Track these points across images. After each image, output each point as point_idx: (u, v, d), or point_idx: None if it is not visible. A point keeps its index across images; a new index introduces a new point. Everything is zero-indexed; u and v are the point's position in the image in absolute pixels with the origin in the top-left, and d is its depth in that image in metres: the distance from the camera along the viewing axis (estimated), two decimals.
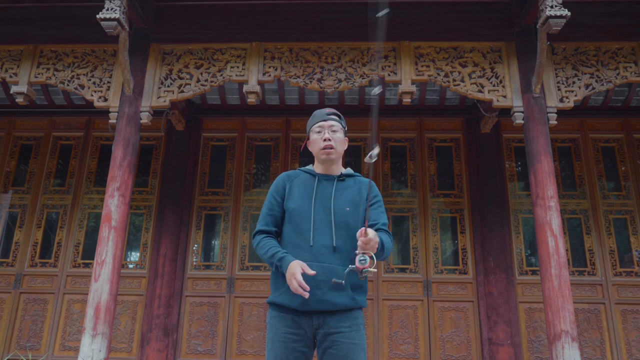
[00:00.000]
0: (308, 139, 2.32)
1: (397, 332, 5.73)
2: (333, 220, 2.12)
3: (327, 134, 2.22)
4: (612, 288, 5.74)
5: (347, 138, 2.33)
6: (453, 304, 5.82)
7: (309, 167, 2.34)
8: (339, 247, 2.09)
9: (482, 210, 6.02)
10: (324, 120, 2.26)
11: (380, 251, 2.02)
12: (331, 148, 2.21)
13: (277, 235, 2.22)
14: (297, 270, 1.96)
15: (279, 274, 2.11)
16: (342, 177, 2.26)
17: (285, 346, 2.04)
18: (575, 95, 4.85)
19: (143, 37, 5.16)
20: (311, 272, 1.96)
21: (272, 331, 2.09)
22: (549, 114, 4.77)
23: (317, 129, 2.26)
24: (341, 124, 2.29)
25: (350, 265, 1.95)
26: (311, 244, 2.07)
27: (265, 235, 2.19)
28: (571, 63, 4.96)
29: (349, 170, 2.32)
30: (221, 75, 5.06)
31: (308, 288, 1.94)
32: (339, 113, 2.32)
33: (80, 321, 5.80)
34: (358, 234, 1.91)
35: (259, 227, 2.22)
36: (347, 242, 2.10)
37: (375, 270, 1.92)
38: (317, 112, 2.32)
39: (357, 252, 1.91)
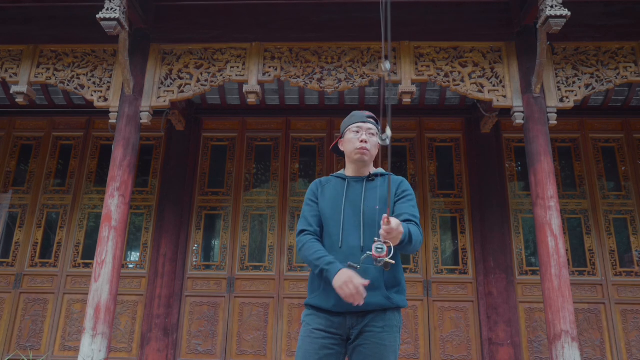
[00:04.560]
0: (341, 137, 2.34)
1: None
2: (362, 220, 2.13)
3: (365, 136, 2.24)
4: (612, 288, 5.74)
5: (378, 144, 2.32)
6: (453, 304, 5.81)
7: (340, 172, 2.37)
8: (368, 247, 2.07)
9: (482, 210, 6.02)
10: (363, 122, 2.28)
11: (408, 243, 1.98)
12: (367, 150, 2.23)
13: (319, 234, 2.22)
14: (352, 275, 1.93)
15: (316, 277, 2.14)
16: (371, 178, 2.27)
17: (314, 342, 2.06)
18: (575, 95, 4.85)
19: (143, 37, 5.16)
20: (365, 281, 1.94)
21: (304, 328, 2.13)
22: (549, 114, 4.77)
23: (355, 129, 2.27)
24: (377, 128, 2.31)
25: (367, 252, 1.91)
26: (340, 246, 2.10)
27: (311, 237, 2.18)
28: (571, 63, 4.96)
29: (380, 170, 2.32)
30: (221, 75, 5.06)
31: (365, 294, 1.93)
32: (375, 117, 2.34)
33: (80, 321, 5.80)
34: (382, 222, 1.86)
35: (302, 227, 2.23)
36: None
37: (393, 262, 1.87)
38: (357, 113, 2.33)
39: (376, 239, 1.87)
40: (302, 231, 2.22)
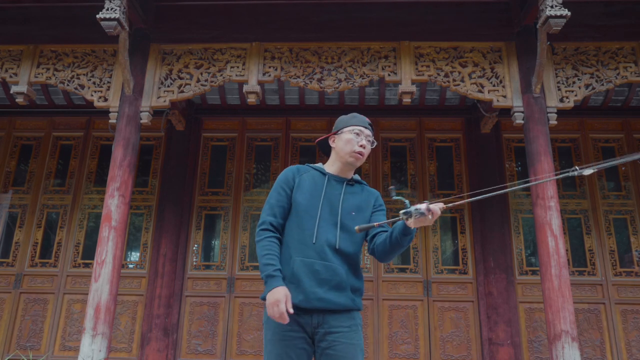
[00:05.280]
0: (335, 134, 2.30)
1: (397, 332, 5.73)
2: (339, 221, 2.13)
3: (365, 141, 2.24)
4: (612, 288, 5.74)
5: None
6: (453, 304, 5.81)
7: (319, 165, 2.33)
8: (342, 248, 2.09)
9: (482, 210, 6.02)
10: (365, 127, 2.27)
11: (404, 247, 2.06)
12: (363, 155, 2.24)
13: (282, 227, 2.18)
14: (282, 299, 1.93)
15: (281, 266, 2.09)
16: (351, 182, 2.28)
17: (286, 344, 2.01)
18: (575, 95, 4.85)
19: (143, 37, 5.16)
20: (290, 310, 1.93)
21: (271, 331, 2.05)
22: (549, 114, 4.77)
23: (357, 131, 2.24)
24: (372, 136, 2.33)
25: (415, 208, 1.90)
26: (314, 241, 2.07)
27: (271, 233, 2.13)
28: (571, 63, 4.96)
29: (358, 177, 2.34)
30: (221, 75, 5.06)
31: (287, 320, 1.93)
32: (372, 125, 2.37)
33: (80, 321, 5.80)
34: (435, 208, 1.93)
35: (265, 217, 2.15)
36: (349, 245, 2.11)
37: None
38: (359, 116, 2.32)
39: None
40: (263, 224, 2.15)
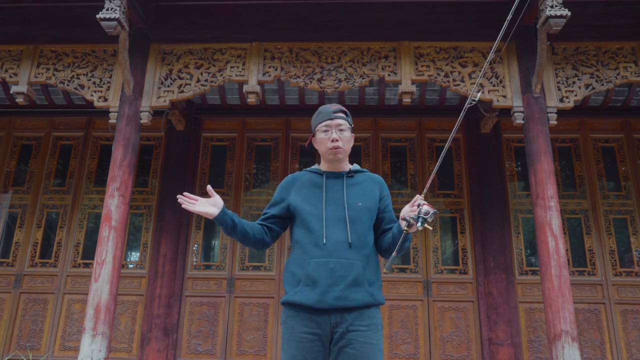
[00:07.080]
0: (313, 136, 2.26)
1: (397, 332, 5.73)
2: (347, 215, 2.10)
3: (335, 134, 2.17)
4: (612, 288, 5.74)
5: (353, 135, 2.29)
6: (453, 304, 5.81)
7: (315, 166, 2.31)
8: (354, 242, 2.06)
9: (482, 210, 6.02)
10: (331, 119, 2.19)
11: (408, 244, 2.13)
12: (339, 148, 2.17)
13: (270, 230, 2.24)
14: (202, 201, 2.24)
15: (296, 270, 2.08)
16: (350, 174, 2.24)
17: (302, 346, 1.99)
18: (575, 95, 4.85)
19: (143, 37, 5.16)
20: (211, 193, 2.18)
21: (288, 332, 2.04)
22: (549, 114, 4.77)
23: (324, 128, 2.19)
24: (348, 121, 2.24)
25: (409, 218, 2.02)
26: (324, 242, 2.04)
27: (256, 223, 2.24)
28: (571, 63, 4.96)
29: (357, 166, 2.30)
30: (221, 75, 5.06)
31: (196, 199, 2.21)
32: (345, 110, 2.26)
33: (80, 321, 5.80)
34: (418, 200, 2.05)
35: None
36: (362, 237, 2.09)
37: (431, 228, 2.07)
38: (323, 109, 2.24)
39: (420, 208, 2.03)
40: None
